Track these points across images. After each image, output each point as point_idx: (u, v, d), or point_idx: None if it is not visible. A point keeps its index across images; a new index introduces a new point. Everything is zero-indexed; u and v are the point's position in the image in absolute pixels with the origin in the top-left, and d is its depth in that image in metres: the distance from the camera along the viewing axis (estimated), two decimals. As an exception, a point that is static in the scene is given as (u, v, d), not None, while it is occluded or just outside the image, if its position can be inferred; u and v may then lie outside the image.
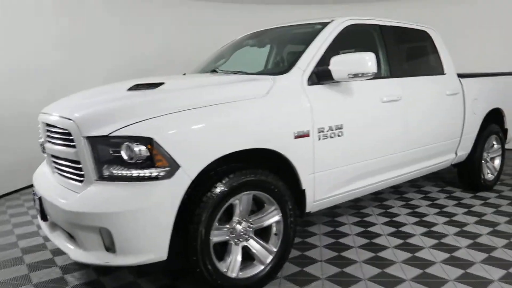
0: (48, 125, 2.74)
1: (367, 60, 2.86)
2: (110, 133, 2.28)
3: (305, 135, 2.83)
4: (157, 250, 2.35)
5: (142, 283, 2.89)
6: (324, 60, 3.03)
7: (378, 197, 4.65)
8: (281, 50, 3.79)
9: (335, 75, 2.90)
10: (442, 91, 3.94)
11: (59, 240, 2.60)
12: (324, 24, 3.31)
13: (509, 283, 2.74)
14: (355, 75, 2.87)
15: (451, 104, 4.03)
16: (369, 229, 3.73)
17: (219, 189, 2.48)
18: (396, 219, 3.96)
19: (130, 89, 2.78)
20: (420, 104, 3.68)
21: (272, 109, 2.69)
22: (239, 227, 2.69)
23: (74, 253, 2.45)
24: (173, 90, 2.66)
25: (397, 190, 4.92)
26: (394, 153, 3.50)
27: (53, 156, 2.74)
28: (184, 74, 3.67)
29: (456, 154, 4.32)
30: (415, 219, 3.94)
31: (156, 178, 2.29)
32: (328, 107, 2.97)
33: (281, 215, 2.80)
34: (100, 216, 2.27)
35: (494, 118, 4.86)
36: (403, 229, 3.71)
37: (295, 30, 3.56)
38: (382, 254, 3.22)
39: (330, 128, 2.97)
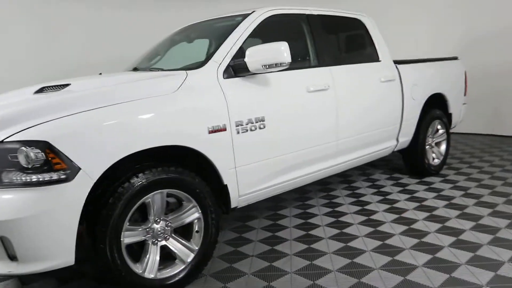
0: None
1: (282, 50, 2.82)
2: (4, 139, 2.20)
3: (221, 129, 2.78)
4: (63, 255, 2.28)
5: (63, 290, 2.82)
6: (243, 53, 2.98)
7: (322, 183, 4.63)
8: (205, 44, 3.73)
9: (250, 66, 2.86)
10: (376, 78, 3.93)
11: None
12: (244, 16, 3.26)
13: (432, 268, 2.73)
14: (270, 66, 2.83)
15: (387, 90, 4.02)
16: (309, 220, 3.71)
17: (126, 189, 2.42)
18: (338, 209, 3.94)
19: (36, 92, 2.69)
20: (352, 92, 3.66)
21: (182, 105, 2.63)
22: (156, 226, 2.63)
23: (-20, 263, 2.36)
24: (76, 91, 2.58)
25: (344, 177, 4.92)
26: (325, 143, 3.47)
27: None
28: (100, 73, 3.59)
29: (397, 140, 4.32)
30: (357, 208, 3.93)
31: (56, 181, 2.21)
32: (246, 100, 2.92)
33: (200, 212, 2.75)
34: (-3, 224, 2.19)
35: (438, 103, 4.89)
36: (342, 218, 3.69)
37: (219, 23, 3.50)
38: (315, 246, 3.20)
39: (250, 121, 2.93)
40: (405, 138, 4.42)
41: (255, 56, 2.83)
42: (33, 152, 2.17)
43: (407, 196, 4.19)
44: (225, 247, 3.29)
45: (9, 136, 2.20)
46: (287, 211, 4.01)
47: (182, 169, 2.65)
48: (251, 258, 3.08)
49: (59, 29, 5.66)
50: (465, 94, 5.26)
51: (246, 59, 2.86)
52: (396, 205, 3.96)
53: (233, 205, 2.99)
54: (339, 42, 3.94)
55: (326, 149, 3.50)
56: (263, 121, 3.00)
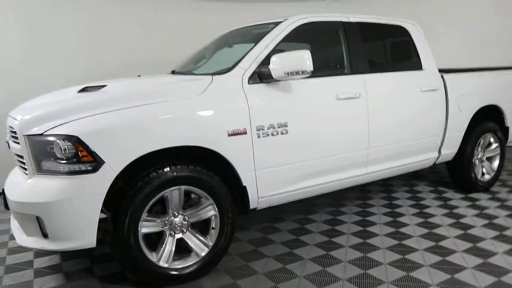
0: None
1: (305, 59, 2.89)
2: (43, 132, 2.52)
3: (241, 133, 2.90)
4: (86, 238, 2.56)
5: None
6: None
7: (361, 190, 4.57)
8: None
9: (274, 73, 2.94)
10: (417, 87, 3.80)
11: (13, 227, 2.90)
12: (276, 24, 3.35)
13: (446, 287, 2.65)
14: (292, 73, 2.90)
15: (428, 100, 3.88)
16: (336, 227, 3.72)
17: (146, 183, 2.64)
18: (369, 218, 3.90)
19: (80, 91, 3.01)
20: (387, 101, 3.60)
21: (204, 108, 2.79)
22: (175, 219, 2.84)
23: (19, 238, 2.72)
24: (110, 92, 2.85)
25: (386, 186, 4.80)
26: (354, 151, 3.46)
27: (15, 153, 3.05)
28: (139, 75, 3.86)
29: (439, 152, 4.15)
30: (388, 219, 3.85)
31: (83, 172, 2.49)
32: (269, 105, 3.02)
33: (216, 210, 2.90)
34: (34, 205, 2.52)
35: (492, 115, 4.60)
36: (370, 228, 3.65)
37: (254, 30, 3.62)
38: (333, 253, 3.22)
39: (272, 126, 3.02)
40: (449, 150, 4.23)
41: (279, 63, 2.91)
42: (66, 145, 2.46)
43: (446, 211, 4.02)
44: (247, 245, 3.42)
45: (48, 130, 2.51)
46: (317, 216, 4.04)
47: (200, 169, 2.81)
48: (267, 258, 3.18)
49: (113, 28, 6.02)
50: (525, 107, 4.88)
51: (270, 66, 2.95)
52: (430, 219, 3.82)
53: (252, 206, 3.11)
54: (377, 49, 3.87)
55: (355, 157, 3.48)
56: (286, 126, 3.08)
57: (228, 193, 2.94)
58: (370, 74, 3.56)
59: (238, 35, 3.83)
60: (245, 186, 3.00)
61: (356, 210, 4.13)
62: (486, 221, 3.73)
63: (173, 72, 3.78)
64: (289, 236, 3.58)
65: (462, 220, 3.77)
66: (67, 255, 3.33)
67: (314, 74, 3.42)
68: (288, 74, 2.91)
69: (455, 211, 4.02)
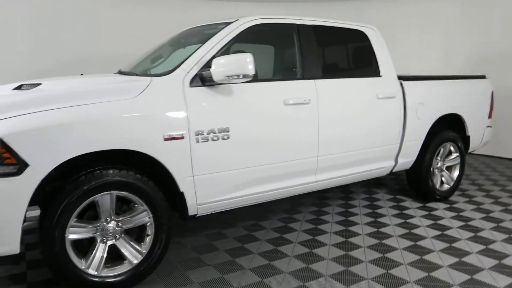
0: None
1: (246, 62, 2.79)
2: (-32, 132, 2.38)
3: (178, 137, 2.79)
4: (9, 244, 2.43)
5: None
6: (217, 62, 2.96)
7: (320, 196, 4.50)
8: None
9: (215, 77, 2.84)
10: (372, 94, 3.73)
11: None
12: (227, 24, 3.24)
13: (377, 302, 2.58)
14: (233, 77, 2.80)
15: (384, 108, 3.80)
16: (285, 235, 3.64)
17: (73, 187, 2.52)
18: (321, 226, 3.82)
19: (14, 88, 2.88)
20: (339, 107, 3.51)
21: (139, 110, 2.67)
22: (108, 225, 2.72)
23: None
24: (43, 90, 2.72)
25: (346, 193, 4.73)
26: (302, 159, 3.37)
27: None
28: (82, 74, 3.73)
29: (396, 161, 4.08)
30: (340, 227, 3.78)
31: (5, 175, 2.36)
32: (210, 110, 2.91)
33: (151, 216, 2.80)
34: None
35: (454, 124, 4.56)
36: (319, 237, 3.57)
37: (206, 30, 3.51)
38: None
39: (212, 131, 2.91)
40: (407, 159, 4.16)
41: (220, 66, 2.81)
42: (-12, 146, 2.33)
43: (400, 221, 3.95)
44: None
45: (-30, 130, 2.37)
46: (267, 223, 3.95)
47: (134, 173, 2.70)
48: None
49: (61, 25, 5.95)
50: (490, 117, 4.85)
51: (211, 69, 2.85)
52: (383, 229, 3.75)
53: (191, 212, 3.00)
54: (333, 54, 3.79)
55: (304, 164, 3.40)
56: (228, 131, 2.98)
57: (164, 199, 2.83)
58: (323, 79, 3.47)
59: (191, 35, 3.71)
60: (182, 192, 2.90)
61: (309, 218, 4.05)
62: (438, 232, 3.67)
63: (119, 72, 3.65)
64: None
65: (414, 231, 3.71)
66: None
67: (262, 78, 3.35)
68: (229, 77, 2.81)
69: (409, 220, 3.96)
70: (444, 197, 4.51)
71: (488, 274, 2.92)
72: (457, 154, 4.56)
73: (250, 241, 3.53)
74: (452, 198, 4.64)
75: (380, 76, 3.88)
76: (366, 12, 7.64)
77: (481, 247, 3.37)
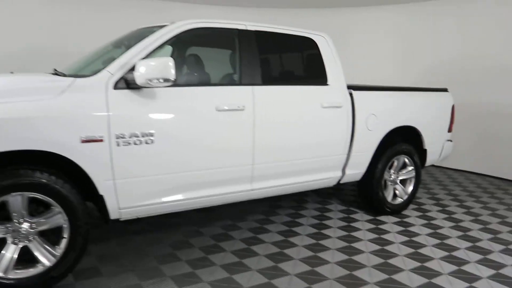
0: None
1: (166, 67, 2.74)
2: None
3: (97, 140, 2.74)
4: None
5: None
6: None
7: (270, 205, 4.44)
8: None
9: (137, 80, 2.79)
10: (317, 103, 3.66)
11: None
12: (161, 27, 3.19)
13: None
14: (154, 81, 2.76)
15: (330, 117, 3.72)
16: (221, 243, 3.58)
17: (-20, 187, 2.48)
18: (261, 236, 3.76)
19: None
20: (277, 115, 3.44)
21: (57, 110, 2.61)
22: (21, 226, 2.68)
23: None
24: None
25: (299, 202, 4.66)
26: (234, 166, 3.30)
27: None
28: (12, 72, 3.69)
29: (343, 172, 4.01)
30: (280, 237, 3.71)
31: None
32: (133, 113, 2.85)
33: (66, 219, 2.75)
34: None
35: (411, 137, 4.48)
36: (254, 247, 3.51)
37: (142, 32, 3.45)
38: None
39: (135, 135, 2.86)
40: (356, 170, 4.09)
41: (141, 70, 2.76)
42: None
43: (344, 233, 3.88)
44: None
45: None
46: (207, 230, 3.90)
47: (48, 175, 2.65)
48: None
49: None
50: (450, 130, 4.76)
51: (134, 72, 2.80)
52: (323, 241, 3.68)
53: (113, 216, 2.95)
54: (277, 61, 3.72)
55: (237, 172, 3.33)
56: (152, 136, 2.92)
57: (82, 202, 2.78)
58: (262, 86, 3.41)
59: (133, 36, 3.66)
60: (102, 195, 2.85)
61: (252, 226, 3.99)
62: (378, 247, 3.59)
63: (54, 72, 3.60)
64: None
65: (355, 245, 3.63)
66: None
67: (194, 82, 3.30)
68: (150, 81, 2.76)
69: (354, 233, 3.88)
70: (396, 210, 4.42)
71: (410, 293, 2.84)
72: (412, 167, 4.48)
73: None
74: (406, 212, 4.56)
75: (327, 84, 3.81)
76: (325, 19, 7.66)
77: (416, 264, 3.29)
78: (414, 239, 3.80)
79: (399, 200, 4.45)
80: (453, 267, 3.25)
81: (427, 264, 3.29)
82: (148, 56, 3.00)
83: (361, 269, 3.17)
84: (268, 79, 3.49)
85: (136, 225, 3.93)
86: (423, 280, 3.02)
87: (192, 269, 3.09)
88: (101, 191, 2.84)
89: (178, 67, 3.26)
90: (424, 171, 6.82)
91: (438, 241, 3.76)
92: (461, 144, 6.56)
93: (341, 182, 4.08)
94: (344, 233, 3.89)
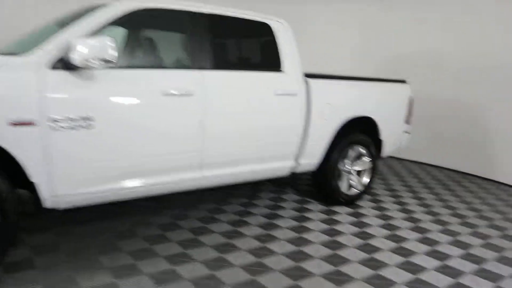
0: None
1: (107, 47, 2.57)
2: None
3: (27, 123, 2.54)
4: None
5: None
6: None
7: (228, 193, 4.34)
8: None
9: (76, 60, 2.60)
10: (270, 89, 3.55)
11: None
12: (105, 6, 2.99)
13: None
14: (95, 62, 2.58)
15: (283, 105, 3.63)
16: (167, 234, 3.45)
17: None
18: (210, 225, 3.65)
19: None
20: (228, 101, 3.31)
21: (-19, 91, 2.43)
22: None
23: None
24: None
25: (254, 191, 4.58)
26: (181, 153, 3.16)
27: None
28: None
29: (297, 162, 3.93)
30: (229, 228, 3.62)
31: None
32: (71, 96, 2.66)
33: (-8, 207, 2.56)
34: None
35: (367, 127, 4.45)
36: (201, 237, 3.40)
37: (84, 11, 3.23)
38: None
39: (71, 119, 2.67)
40: (310, 160, 4.02)
41: (79, 49, 2.57)
42: None
43: (295, 224, 3.82)
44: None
45: None
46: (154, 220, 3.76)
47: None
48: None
49: None
50: (407, 122, 4.76)
51: (73, 52, 2.61)
52: (273, 232, 3.61)
53: (48, 205, 2.76)
54: (230, 45, 3.57)
55: (185, 159, 3.20)
56: (91, 120, 2.74)
57: (11, 190, 2.59)
58: (213, 70, 3.27)
59: (77, 14, 3.44)
60: (33, 182, 2.66)
61: (201, 216, 3.88)
62: (328, 238, 3.55)
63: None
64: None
65: (306, 235, 3.58)
66: None
67: (139, 65, 3.13)
68: (89, 61, 2.58)
69: (306, 224, 3.83)
70: (350, 201, 4.40)
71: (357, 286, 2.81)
72: (368, 158, 4.45)
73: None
74: (361, 202, 4.55)
75: (282, 72, 3.71)
76: (288, 8, 7.58)
77: (365, 255, 3.26)
78: (365, 230, 3.78)
79: (354, 191, 4.42)
80: (401, 259, 3.24)
81: (376, 256, 3.27)
82: (90, 36, 2.81)
83: (309, 260, 3.12)
84: (220, 64, 3.35)
85: (80, 214, 3.75)
86: (370, 272, 3.00)
87: (134, 261, 2.96)
88: (33, 177, 2.65)
89: (122, 48, 3.09)
90: (383, 162, 6.87)
91: (389, 232, 3.76)
92: (420, 137, 6.64)
93: (295, 172, 4.01)
94: (296, 223, 3.84)
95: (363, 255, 3.27)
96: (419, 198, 4.87)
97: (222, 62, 3.39)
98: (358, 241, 3.53)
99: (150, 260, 2.99)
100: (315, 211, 4.20)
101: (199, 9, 3.31)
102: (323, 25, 7.69)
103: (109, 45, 2.58)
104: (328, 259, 3.16)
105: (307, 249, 3.32)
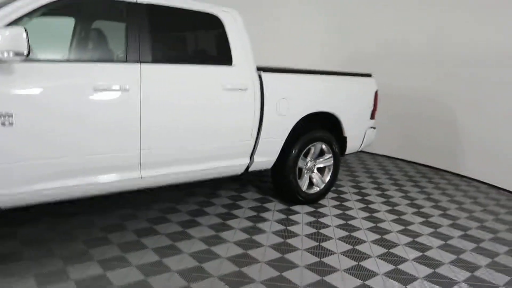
0: None
1: (19, 38, 2.38)
2: None
3: None
4: None
5: None
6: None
7: (191, 192, 4.16)
8: None
9: (-12, 52, 2.41)
10: (217, 84, 3.35)
11: None
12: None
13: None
14: (7, 54, 2.39)
15: (232, 100, 3.43)
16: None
17: None
18: (157, 228, 3.48)
19: None
20: (169, 97, 3.11)
21: None
22: None
23: None
24: None
25: (214, 188, 4.40)
26: (115, 152, 2.97)
27: None
28: None
29: (251, 159, 3.75)
30: (177, 229, 3.44)
31: None
32: (-15, 91, 2.49)
33: None
34: None
35: (330, 123, 4.26)
36: (143, 240, 3.23)
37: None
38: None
39: (-12, 115, 2.50)
40: (266, 158, 3.84)
41: (-9, 40, 2.38)
42: None
43: (249, 224, 3.65)
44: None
45: None
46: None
47: None
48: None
49: None
50: (372, 117, 4.57)
51: (-19, 43, 2.41)
52: (222, 234, 3.43)
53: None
54: (172, 38, 3.36)
55: (120, 158, 3.01)
56: (11, 117, 2.56)
57: None
58: (151, 64, 3.08)
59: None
60: None
61: (152, 216, 3.70)
62: (280, 240, 3.38)
63: None
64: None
65: (256, 237, 3.40)
66: None
67: (68, 58, 2.94)
68: (1, 54, 2.39)
69: (259, 225, 3.65)
70: (312, 200, 4.22)
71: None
72: (330, 155, 4.27)
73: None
74: (324, 201, 4.37)
75: (232, 65, 3.51)
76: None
77: (314, 259, 3.09)
78: (322, 231, 3.61)
79: (315, 189, 4.25)
80: (352, 263, 3.07)
81: (326, 260, 3.10)
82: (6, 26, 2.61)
83: (253, 265, 2.95)
84: (160, 57, 3.16)
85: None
86: (315, 278, 2.82)
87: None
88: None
89: (48, 40, 2.89)
90: (354, 156, 6.71)
91: (345, 234, 3.59)
92: (393, 132, 6.49)
93: (250, 170, 3.82)
94: (249, 223, 3.67)
95: (313, 259, 3.10)
96: (385, 196, 4.70)
97: (162, 55, 3.19)
98: (311, 243, 3.36)
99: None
100: (273, 210, 4.03)
101: (138, 0, 3.11)
102: (291, 17, 7.52)
103: (20, 36, 2.38)
104: (273, 264, 2.98)
105: (253, 252, 3.14)
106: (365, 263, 3.08)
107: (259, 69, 3.68)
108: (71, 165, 2.83)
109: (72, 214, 3.62)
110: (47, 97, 2.67)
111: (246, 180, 5.00)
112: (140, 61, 3.03)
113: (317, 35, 7.40)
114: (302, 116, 3.92)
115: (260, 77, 3.64)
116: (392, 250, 3.33)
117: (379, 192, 4.83)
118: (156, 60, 3.11)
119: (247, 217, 3.81)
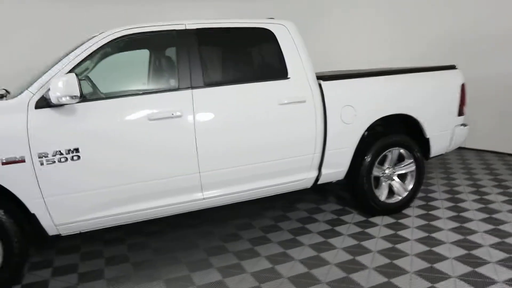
0: None
1: (70, 84, 2.69)
2: None
3: (18, 161, 2.77)
4: None
5: None
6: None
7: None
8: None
9: (52, 98, 2.75)
10: (273, 100, 3.31)
11: None
12: (88, 40, 3.10)
13: None
14: (64, 98, 2.71)
15: (290, 114, 3.35)
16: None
17: None
18: (227, 246, 3.57)
19: None
20: (222, 118, 3.17)
21: (-25, 135, 2.70)
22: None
23: None
24: None
25: (291, 202, 4.33)
26: (176, 176, 3.13)
27: None
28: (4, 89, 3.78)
29: (319, 171, 3.62)
30: (248, 246, 3.48)
31: None
32: (56, 131, 2.82)
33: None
34: None
35: (410, 126, 3.92)
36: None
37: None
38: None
39: (58, 153, 2.83)
40: (335, 169, 3.67)
41: (52, 88, 2.72)
42: None
43: (320, 240, 3.52)
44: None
45: None
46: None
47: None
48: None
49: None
50: (461, 114, 4.06)
51: (49, 92, 2.77)
52: (289, 250, 3.38)
53: (51, 233, 3.00)
54: (224, 59, 3.39)
55: (182, 182, 3.16)
56: (77, 152, 2.87)
57: (12, 223, 2.85)
58: (203, 88, 3.17)
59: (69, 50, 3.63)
60: (33, 214, 2.89)
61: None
62: (346, 257, 3.20)
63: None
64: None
65: (323, 255, 3.27)
66: None
67: (125, 93, 3.17)
68: (60, 99, 2.71)
69: (330, 240, 3.50)
70: (394, 209, 3.90)
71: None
72: (411, 160, 3.91)
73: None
74: (408, 210, 4.01)
75: (288, 78, 3.44)
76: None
77: (383, 279, 2.85)
78: (398, 246, 3.32)
79: (396, 198, 3.92)
80: (425, 284, 2.77)
81: (394, 280, 2.84)
82: (72, 71, 2.94)
83: (315, 285, 2.84)
84: (211, 80, 3.24)
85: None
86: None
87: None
88: (32, 209, 2.87)
89: (105, 78, 3.17)
90: (455, 153, 6.02)
91: (425, 249, 3.24)
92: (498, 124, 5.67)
93: (319, 182, 3.69)
94: (321, 239, 3.54)
95: (380, 278, 2.87)
96: (484, 201, 4.12)
97: (213, 78, 3.28)
98: (382, 260, 3.11)
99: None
100: (351, 223, 3.82)
101: (186, 26, 3.24)
102: (356, 13, 7.10)
103: (71, 82, 2.68)
104: (334, 284, 2.84)
105: (316, 272, 3.02)
106: (440, 286, 2.75)
107: (319, 78, 3.54)
108: (132, 191, 3.07)
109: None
110: (103, 130, 2.94)
111: (325, 190, 4.83)
112: (191, 87, 3.15)
113: (385, 30, 6.89)
114: (372, 122, 3.66)
115: (320, 86, 3.50)
116: (477, 269, 2.91)
117: (477, 197, 4.26)
118: (207, 83, 3.20)
119: (322, 232, 3.69)
